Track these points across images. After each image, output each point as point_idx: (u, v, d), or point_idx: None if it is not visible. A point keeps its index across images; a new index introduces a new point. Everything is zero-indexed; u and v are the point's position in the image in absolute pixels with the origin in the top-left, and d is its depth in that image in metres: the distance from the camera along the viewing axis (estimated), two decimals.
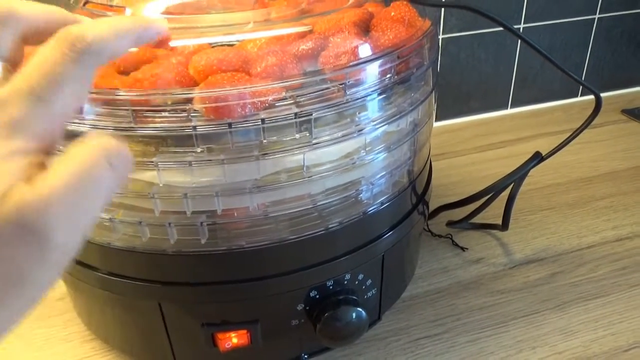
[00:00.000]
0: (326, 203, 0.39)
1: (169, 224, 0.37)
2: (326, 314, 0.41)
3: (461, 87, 0.85)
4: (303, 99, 0.36)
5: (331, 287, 0.42)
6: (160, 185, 0.36)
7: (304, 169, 0.37)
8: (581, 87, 0.92)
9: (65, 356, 0.48)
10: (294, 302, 0.41)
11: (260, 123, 0.34)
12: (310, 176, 0.38)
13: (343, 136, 0.37)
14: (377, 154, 0.41)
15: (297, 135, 0.36)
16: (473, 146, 0.80)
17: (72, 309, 0.52)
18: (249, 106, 0.34)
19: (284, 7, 0.44)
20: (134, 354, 0.47)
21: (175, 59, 0.37)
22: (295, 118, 0.35)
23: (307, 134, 0.36)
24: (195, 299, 0.40)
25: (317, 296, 0.41)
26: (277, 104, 0.36)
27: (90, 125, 0.35)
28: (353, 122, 0.38)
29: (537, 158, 0.51)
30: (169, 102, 0.35)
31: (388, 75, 0.39)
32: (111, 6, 0.39)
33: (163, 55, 0.38)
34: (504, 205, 0.55)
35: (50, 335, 0.50)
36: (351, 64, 0.37)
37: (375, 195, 0.42)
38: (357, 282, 0.43)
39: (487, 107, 0.89)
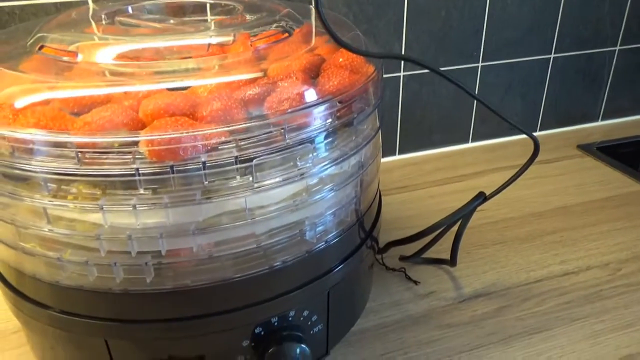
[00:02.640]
0: (270, 243, 0.41)
1: (115, 263, 0.38)
2: (270, 350, 0.42)
3: (423, 122, 0.88)
4: (245, 142, 0.38)
5: (276, 324, 0.43)
6: (106, 227, 0.37)
7: (247, 211, 0.39)
8: (539, 122, 0.96)
9: None
10: (240, 339, 0.43)
11: (201, 166, 0.36)
12: (253, 218, 0.39)
13: (284, 180, 0.39)
14: (320, 195, 0.42)
15: (239, 179, 0.38)
16: (433, 179, 0.83)
17: (27, 342, 0.52)
18: (190, 149, 0.36)
19: (240, 53, 0.45)
20: None
21: (127, 102, 0.39)
22: (235, 161, 0.37)
23: (250, 178, 0.38)
24: (141, 335, 0.41)
25: (262, 332, 0.43)
26: (219, 147, 0.37)
27: (38, 166, 0.36)
28: (295, 166, 0.40)
29: (481, 198, 0.53)
30: (116, 145, 0.36)
31: (329, 120, 0.41)
32: (65, 51, 0.41)
33: (116, 97, 0.39)
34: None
35: None
36: (289, 110, 0.39)
37: (319, 234, 0.43)
38: (302, 319, 0.44)
39: (449, 141, 0.92)
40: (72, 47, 0.42)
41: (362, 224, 0.49)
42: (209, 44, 0.46)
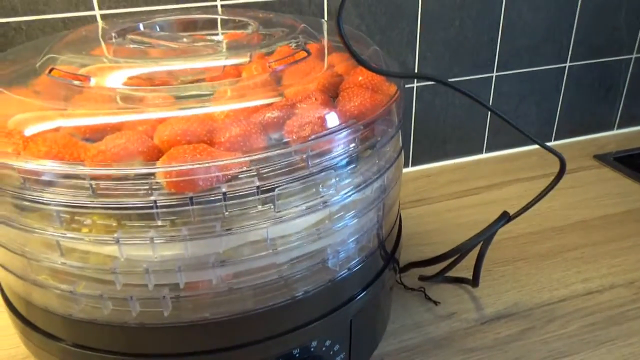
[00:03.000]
0: (292, 273, 0.39)
1: (131, 297, 0.36)
2: None
3: (437, 133, 0.86)
4: (266, 170, 0.36)
5: (297, 355, 0.41)
6: (122, 259, 0.35)
7: (268, 241, 0.37)
8: (554, 131, 0.94)
9: None
10: None
11: (222, 197, 0.34)
12: (275, 249, 0.38)
13: (307, 209, 0.38)
14: (343, 222, 0.41)
15: (261, 208, 0.36)
16: (449, 192, 0.81)
17: None
18: (210, 180, 0.34)
19: (256, 75, 0.44)
20: None
21: (141, 127, 0.38)
22: (257, 191, 0.35)
23: (271, 207, 0.36)
24: None
25: None
26: (240, 176, 0.36)
27: (51, 198, 0.35)
28: (318, 193, 0.38)
29: (505, 219, 0.51)
30: (132, 175, 0.35)
31: (352, 145, 0.40)
32: (76, 75, 0.39)
33: (129, 123, 0.38)
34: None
35: None
36: (313, 136, 0.37)
37: (342, 261, 0.42)
38: (324, 349, 0.43)
39: (462, 152, 0.90)
40: (83, 71, 0.40)
41: (384, 247, 0.47)
42: (224, 66, 0.44)
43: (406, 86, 0.80)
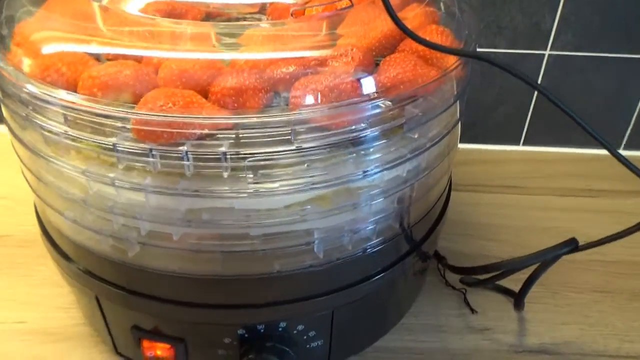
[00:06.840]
0: (267, 248, 0.36)
1: (101, 230, 0.36)
2: (249, 356, 0.38)
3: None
4: (247, 135, 0.32)
5: (261, 331, 0.39)
6: (91, 193, 0.35)
7: (236, 212, 0.34)
8: None
9: None
10: (223, 334, 0.39)
11: (183, 155, 0.31)
12: (246, 221, 0.34)
13: (290, 187, 0.33)
14: (336, 208, 0.36)
15: (226, 174, 0.32)
16: (552, 186, 0.68)
17: None
18: (174, 135, 0.31)
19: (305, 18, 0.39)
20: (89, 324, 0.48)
21: (155, 59, 0.35)
22: (223, 158, 0.31)
23: (247, 176, 0.33)
24: (126, 304, 0.39)
25: (246, 335, 0.39)
26: (219, 135, 0.32)
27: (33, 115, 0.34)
28: (306, 172, 0.34)
29: (570, 246, 0.41)
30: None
31: (363, 125, 0.34)
32: None
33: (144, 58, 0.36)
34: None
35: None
36: (301, 110, 0.32)
37: (329, 249, 0.37)
38: (295, 332, 0.40)
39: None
40: None
41: (397, 243, 0.41)
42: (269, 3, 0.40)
43: (533, 52, 0.67)
